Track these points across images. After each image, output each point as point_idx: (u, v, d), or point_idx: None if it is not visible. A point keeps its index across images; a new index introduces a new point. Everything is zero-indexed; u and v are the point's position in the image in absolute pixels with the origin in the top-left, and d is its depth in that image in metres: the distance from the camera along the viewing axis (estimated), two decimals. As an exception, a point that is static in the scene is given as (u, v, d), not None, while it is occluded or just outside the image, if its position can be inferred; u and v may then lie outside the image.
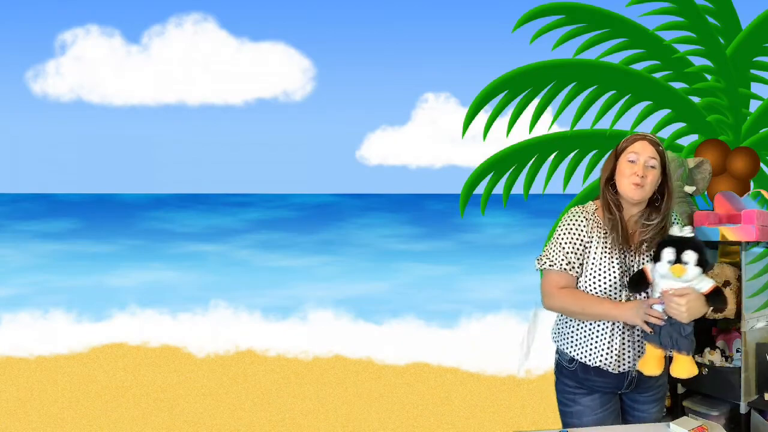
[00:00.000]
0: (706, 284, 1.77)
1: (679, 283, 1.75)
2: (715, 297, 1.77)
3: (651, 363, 1.85)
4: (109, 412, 4.68)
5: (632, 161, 1.90)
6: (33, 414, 4.64)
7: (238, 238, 20.35)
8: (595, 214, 1.98)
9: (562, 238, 1.95)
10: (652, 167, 1.89)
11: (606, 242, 1.94)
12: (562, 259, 1.94)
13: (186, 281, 12.17)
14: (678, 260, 1.73)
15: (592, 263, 1.93)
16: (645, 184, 1.88)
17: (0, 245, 17.51)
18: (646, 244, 1.94)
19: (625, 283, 1.92)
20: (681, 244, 1.74)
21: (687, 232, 1.77)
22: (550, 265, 1.95)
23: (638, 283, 1.86)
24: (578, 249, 1.94)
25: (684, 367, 1.82)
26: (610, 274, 1.92)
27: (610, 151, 2.02)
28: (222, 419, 4.58)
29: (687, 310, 1.74)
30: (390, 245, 18.85)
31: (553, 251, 1.96)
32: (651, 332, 1.81)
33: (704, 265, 1.75)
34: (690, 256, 1.73)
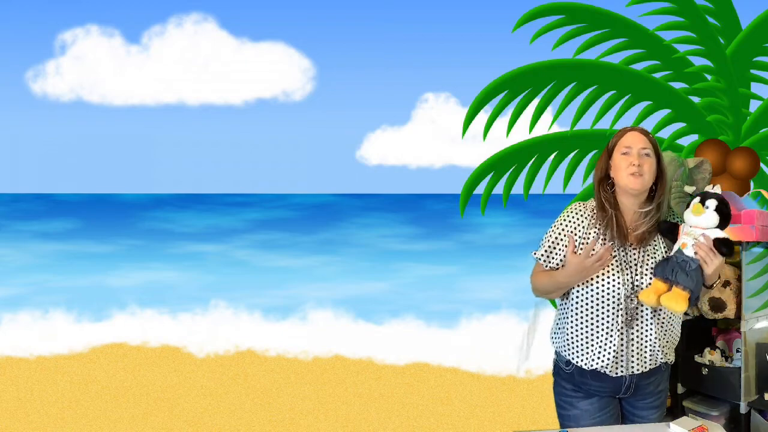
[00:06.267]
0: (719, 234, 1.87)
1: (697, 230, 1.86)
2: (723, 242, 1.83)
3: (649, 291, 1.88)
4: (109, 412, 4.68)
5: (626, 153, 1.92)
6: (33, 414, 4.64)
7: (238, 238, 20.34)
8: (595, 211, 1.98)
9: (551, 232, 2.01)
10: (647, 155, 1.91)
11: (604, 240, 1.94)
12: (543, 252, 2.00)
13: (186, 281, 12.17)
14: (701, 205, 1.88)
15: None
16: (643, 173, 1.89)
17: (0, 245, 17.51)
18: (645, 238, 1.94)
19: (626, 279, 1.91)
20: (708, 196, 1.89)
21: (716, 188, 1.91)
22: (535, 255, 2.03)
23: (667, 231, 1.94)
24: (564, 244, 1.96)
25: (674, 299, 1.85)
26: (609, 270, 1.92)
27: (599, 151, 2.03)
28: (222, 419, 4.58)
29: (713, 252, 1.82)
30: (390, 245, 18.85)
31: (542, 242, 2.02)
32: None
33: (724, 216, 1.86)
34: (711, 202, 1.86)
